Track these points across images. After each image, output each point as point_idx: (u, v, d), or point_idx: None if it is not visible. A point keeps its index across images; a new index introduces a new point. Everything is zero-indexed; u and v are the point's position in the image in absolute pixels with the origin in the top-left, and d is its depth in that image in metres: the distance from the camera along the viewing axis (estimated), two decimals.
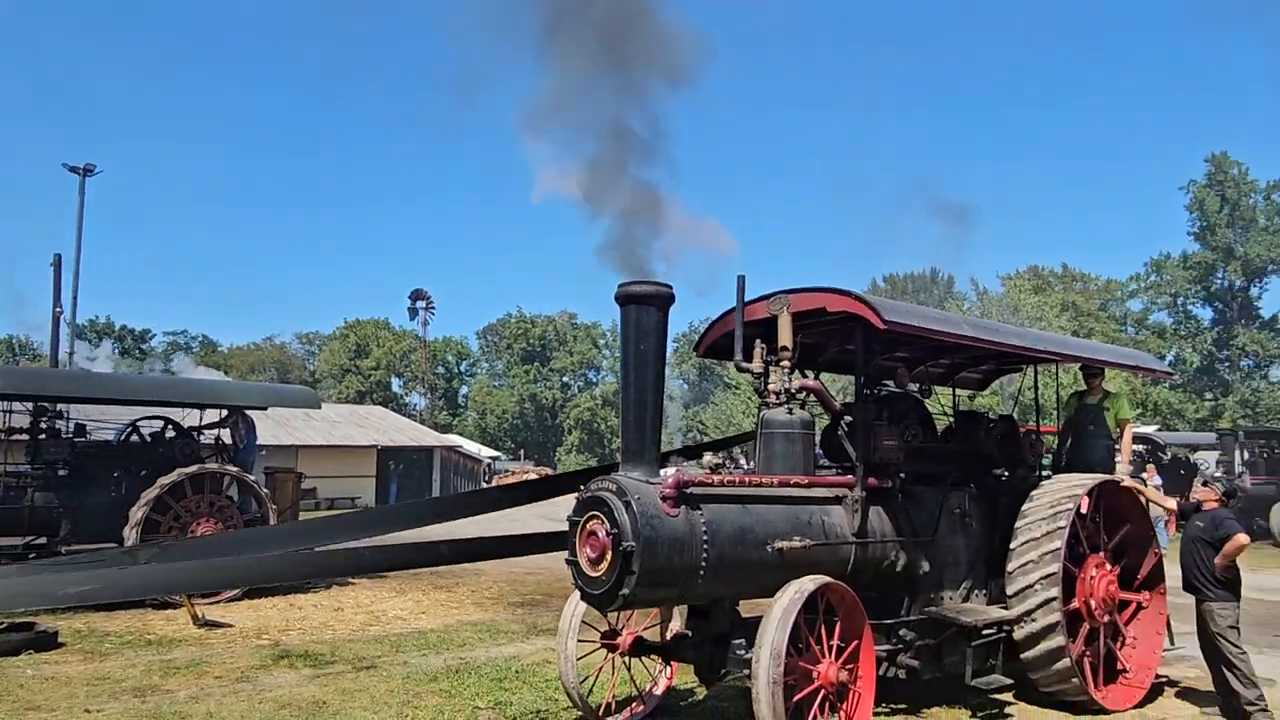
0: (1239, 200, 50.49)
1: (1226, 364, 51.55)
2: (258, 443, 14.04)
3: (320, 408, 16.81)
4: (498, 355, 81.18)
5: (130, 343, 67.99)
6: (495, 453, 59.03)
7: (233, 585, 8.95)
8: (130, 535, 10.90)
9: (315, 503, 27.90)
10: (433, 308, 66.00)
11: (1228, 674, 6.50)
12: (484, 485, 41.30)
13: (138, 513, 11.05)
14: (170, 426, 13.29)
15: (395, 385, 75.81)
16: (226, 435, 13.44)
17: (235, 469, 12.30)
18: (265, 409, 14.18)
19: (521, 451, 69.02)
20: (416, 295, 65.36)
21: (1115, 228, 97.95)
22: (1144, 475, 15.19)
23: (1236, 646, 6.50)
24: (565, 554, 5.50)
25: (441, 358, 79.07)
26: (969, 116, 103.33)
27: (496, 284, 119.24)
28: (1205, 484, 7.17)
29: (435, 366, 76.10)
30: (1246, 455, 23.45)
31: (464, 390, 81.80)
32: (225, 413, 13.39)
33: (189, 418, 13.46)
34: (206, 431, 13.50)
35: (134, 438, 13.20)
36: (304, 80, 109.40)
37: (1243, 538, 6.53)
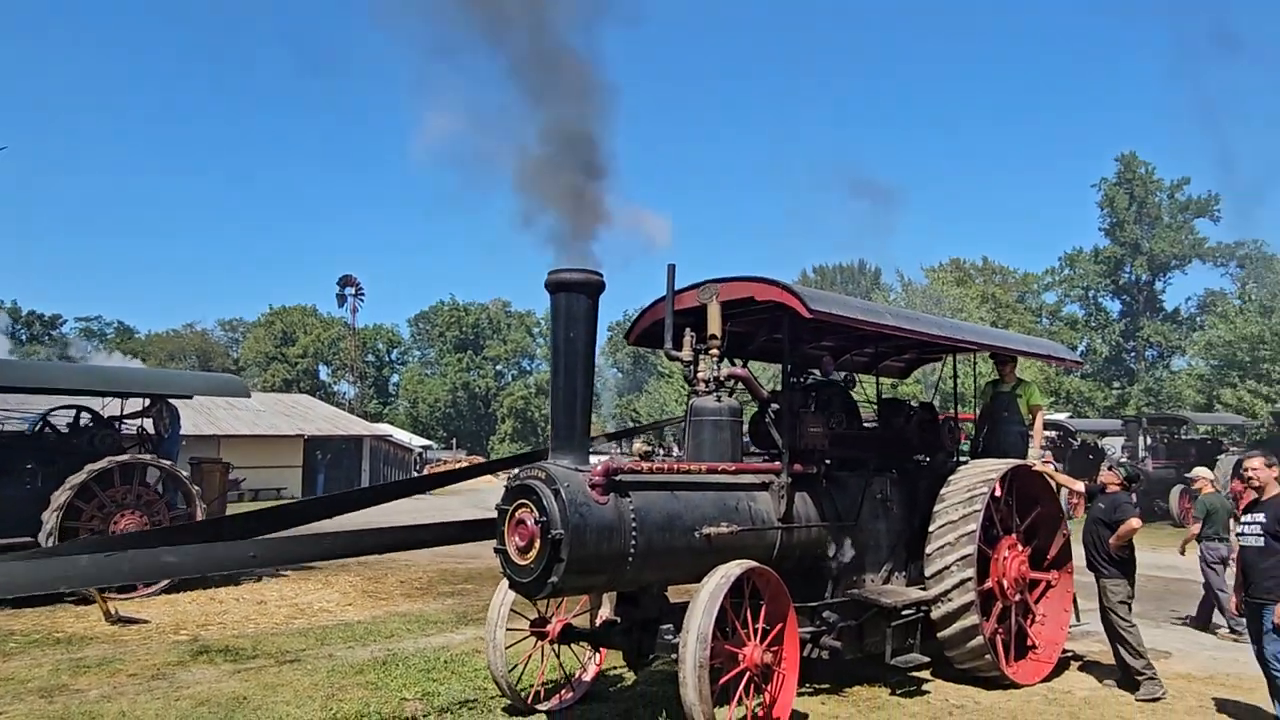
0: (1146, 198, 52.92)
1: (1133, 354, 54.10)
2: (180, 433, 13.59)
3: (250, 396, 16.32)
4: (430, 343, 79.97)
5: (40, 328, 64.77)
6: (427, 442, 58.25)
7: (135, 578, 8.65)
8: (50, 519, 10.50)
9: (239, 494, 27.12)
10: (362, 294, 64.72)
11: (1118, 646, 6.88)
12: (414, 474, 40.79)
13: (60, 497, 10.67)
14: (89, 416, 12.75)
15: (323, 373, 74.09)
16: (150, 425, 12.96)
17: (160, 460, 11.89)
18: (190, 398, 13.70)
19: (454, 441, 68.22)
20: (345, 281, 63.94)
21: (1035, 223, 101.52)
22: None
23: (1126, 620, 6.88)
24: (495, 542, 5.49)
25: (371, 345, 77.53)
26: (893, 110, 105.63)
27: (428, 271, 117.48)
28: (1110, 468, 7.54)
29: (365, 354, 74.58)
30: (1149, 441, 24.68)
31: (395, 379, 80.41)
32: (148, 402, 12.91)
33: (109, 407, 12.96)
34: (128, 421, 13.01)
35: (47, 429, 12.62)
36: (219, 53, 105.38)
37: (1135, 521, 6.91)
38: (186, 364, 66.01)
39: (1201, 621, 9.66)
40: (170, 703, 6.38)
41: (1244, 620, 9.07)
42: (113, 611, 9.29)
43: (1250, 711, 6.29)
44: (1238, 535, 6.01)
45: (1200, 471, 10.53)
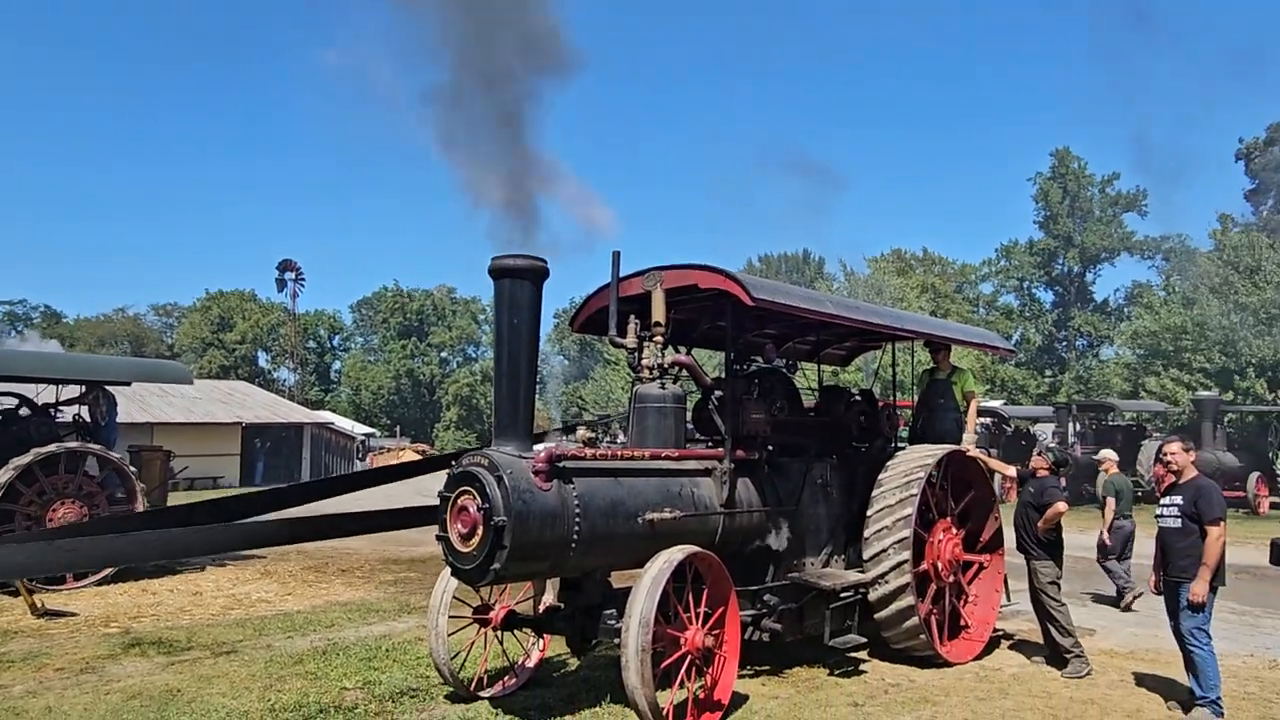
0: (1078, 192, 54.61)
1: (1064, 343, 55.93)
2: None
3: (192, 383, 15.84)
4: (373, 329, 78.64)
5: None
6: (370, 430, 57.39)
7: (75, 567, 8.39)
8: None
9: (175, 482, 26.36)
10: (302, 279, 63.29)
11: (1048, 625, 7.14)
12: (357, 463, 40.16)
13: (3, 476, 10.32)
14: (16, 401, 12.29)
15: (262, 360, 72.36)
16: (86, 412, 12.53)
17: (99, 447, 11.52)
18: (129, 384, 13.25)
19: (398, 428, 67.34)
20: (285, 266, 62.43)
21: (975, 215, 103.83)
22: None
23: (1056, 600, 7.14)
24: (437, 530, 5.46)
25: (313, 331, 75.91)
26: (836, 103, 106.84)
27: (372, 257, 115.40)
28: (1039, 454, 7.79)
29: (306, 341, 73.01)
30: (1078, 427, 25.55)
31: (337, 365, 78.91)
32: (84, 388, 12.47)
33: (42, 394, 12.51)
34: (64, 409, 12.56)
35: None
36: (152, 30, 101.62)
37: (1062, 505, 7.17)
38: (118, 350, 63.84)
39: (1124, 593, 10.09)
40: (100, 697, 6.21)
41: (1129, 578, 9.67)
42: (39, 605, 8.99)
43: (1166, 684, 6.59)
44: (1156, 517, 6.28)
45: (1106, 454, 11.01)
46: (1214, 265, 33.19)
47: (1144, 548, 9.38)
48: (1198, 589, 5.79)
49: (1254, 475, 22.23)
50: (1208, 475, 6.44)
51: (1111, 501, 10.05)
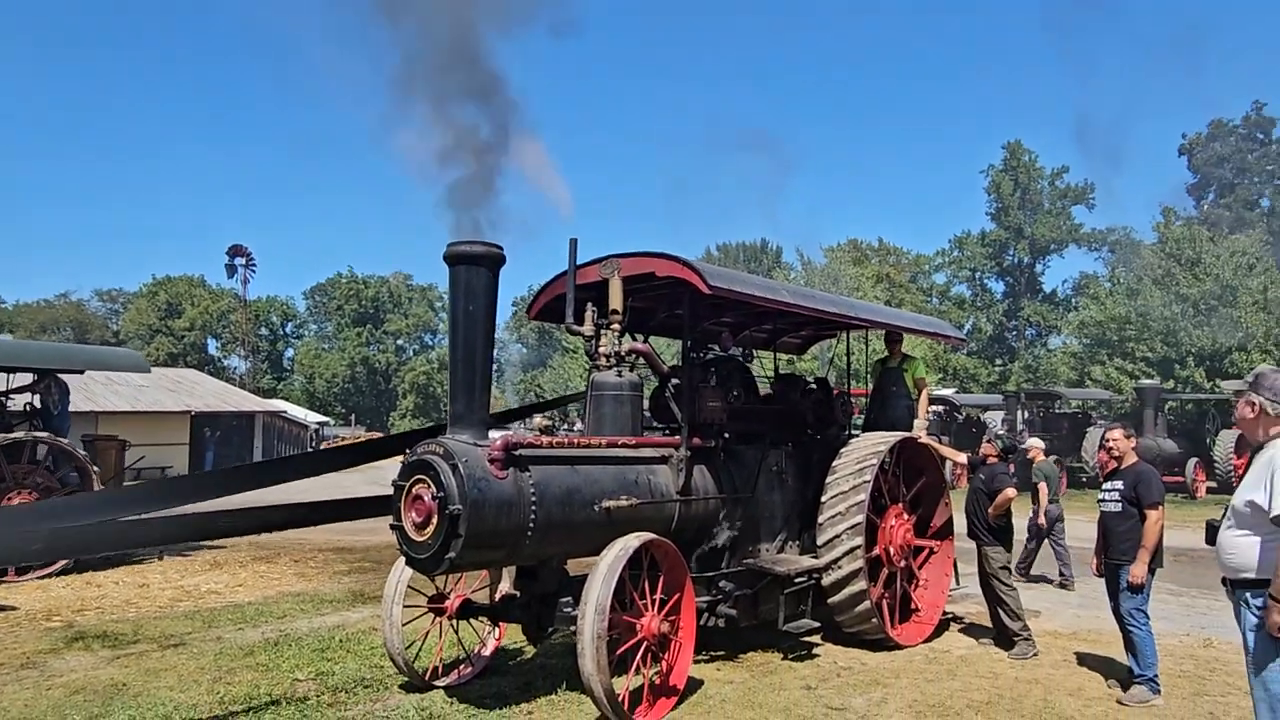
0: (1029, 185, 55.72)
1: (1014, 333, 57.17)
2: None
3: (149, 371, 15.42)
4: (327, 317, 77.37)
5: None
6: (324, 418, 56.58)
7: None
8: None
9: (136, 472, 25.71)
10: (254, 265, 61.95)
11: (998, 609, 7.32)
12: (311, 452, 39.53)
13: None
14: None
15: (212, 347, 70.78)
16: (37, 401, 12.20)
17: (51, 435, 11.25)
18: (82, 372, 12.91)
19: (353, 417, 66.46)
20: (235, 251, 61.04)
21: (930, 205, 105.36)
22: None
23: (1006, 585, 7.31)
24: (391, 519, 5.41)
25: (265, 318, 74.45)
26: (794, 92, 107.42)
27: (325, 242, 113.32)
28: (989, 441, 7.95)
29: (257, 328, 71.58)
30: (1026, 415, 26.15)
31: (290, 353, 77.53)
32: (35, 376, 12.13)
33: None
34: (14, 396, 12.20)
35: None
36: (94, 6, 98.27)
37: (1011, 491, 7.34)
38: (60, 336, 62.03)
39: (1065, 578, 10.41)
40: (41, 692, 6.05)
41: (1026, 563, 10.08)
42: None
43: (1106, 663, 6.80)
44: (1099, 501, 6.46)
45: (1033, 442, 11.34)
46: (1157, 257, 34.13)
47: (1080, 530, 9.70)
48: (1137, 571, 5.98)
49: (1192, 461, 22.97)
50: (1148, 461, 6.65)
51: (1044, 486, 10.38)
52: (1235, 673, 6.39)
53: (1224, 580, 3.80)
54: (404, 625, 6.06)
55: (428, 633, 6.38)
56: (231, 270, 61.86)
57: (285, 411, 42.67)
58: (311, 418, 49.60)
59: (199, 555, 12.57)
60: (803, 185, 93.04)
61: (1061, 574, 10.41)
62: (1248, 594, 3.61)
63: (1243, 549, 3.63)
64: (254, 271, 62.15)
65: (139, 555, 12.11)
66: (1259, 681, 3.55)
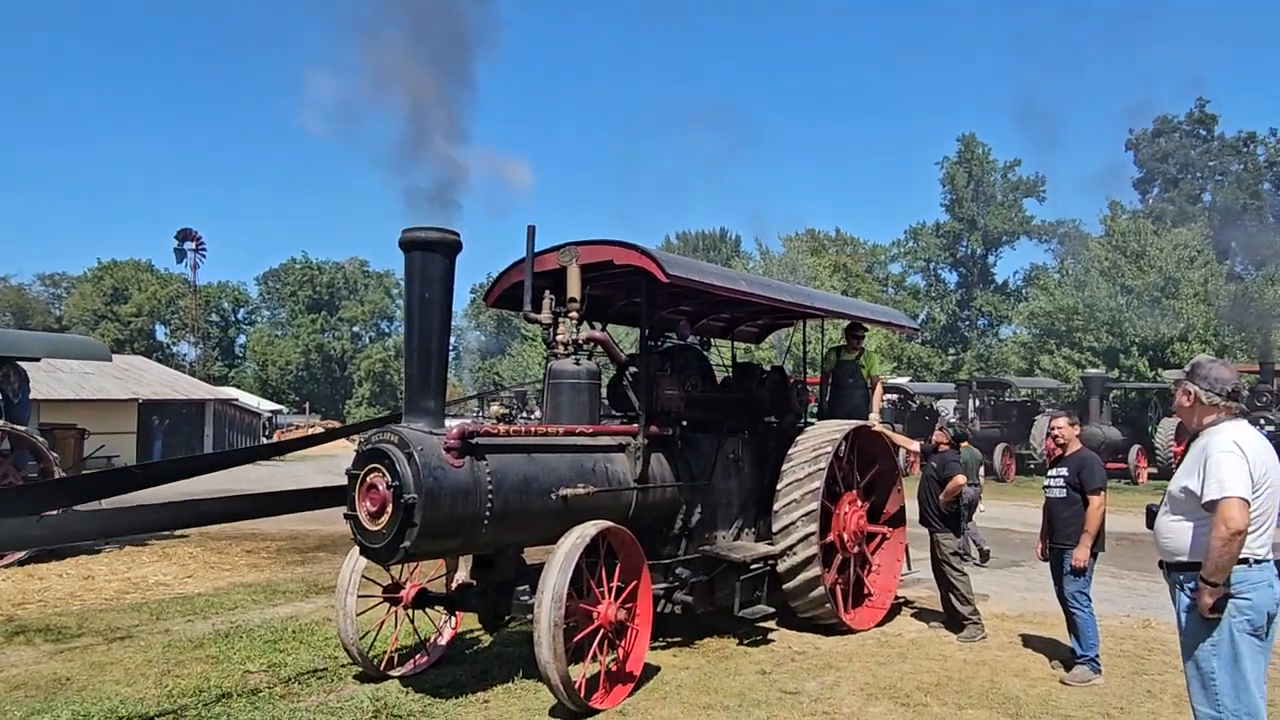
0: (982, 177, 56.71)
1: (967, 322, 58.25)
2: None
3: (111, 360, 15.09)
4: (280, 303, 75.88)
5: None
6: (277, 406, 55.60)
7: None
8: None
9: (104, 461, 25.03)
10: (203, 250, 60.48)
11: (949, 593, 7.48)
12: (264, 441, 38.83)
13: None
14: None
15: (161, 334, 69.08)
16: None
17: (11, 425, 11.03)
18: (39, 360, 12.69)
19: (307, 405, 65.38)
20: (184, 235, 59.50)
21: (886, 196, 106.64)
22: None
23: (957, 570, 7.47)
24: (345, 508, 5.35)
25: (215, 304, 72.82)
26: (754, 80, 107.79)
27: (278, 227, 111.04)
28: (941, 429, 8.10)
29: (208, 314, 69.99)
30: (978, 403, 26.68)
31: (242, 340, 75.98)
32: None
33: None
34: None
35: None
36: None
37: (961, 478, 7.50)
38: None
39: (984, 553, 10.88)
40: None
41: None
42: None
43: (1050, 645, 7.00)
44: (1044, 488, 6.63)
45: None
46: (1104, 250, 34.93)
47: (1029, 516, 9.99)
48: (1079, 555, 6.16)
49: (1135, 448, 23.66)
50: (1093, 448, 6.84)
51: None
52: (1172, 652, 6.60)
53: (1161, 563, 3.93)
54: (359, 615, 6.01)
55: (383, 622, 6.34)
56: (181, 255, 60.33)
57: (237, 399, 41.80)
58: (265, 406, 48.70)
59: (145, 546, 12.29)
60: (760, 175, 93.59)
61: (979, 549, 10.78)
62: (1182, 576, 3.74)
63: (1178, 533, 3.76)
64: (204, 256, 60.78)
65: (83, 546, 11.81)
66: (1192, 660, 3.68)
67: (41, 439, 11.52)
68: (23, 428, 11.26)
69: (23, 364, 12.43)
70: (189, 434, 35.40)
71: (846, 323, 9.26)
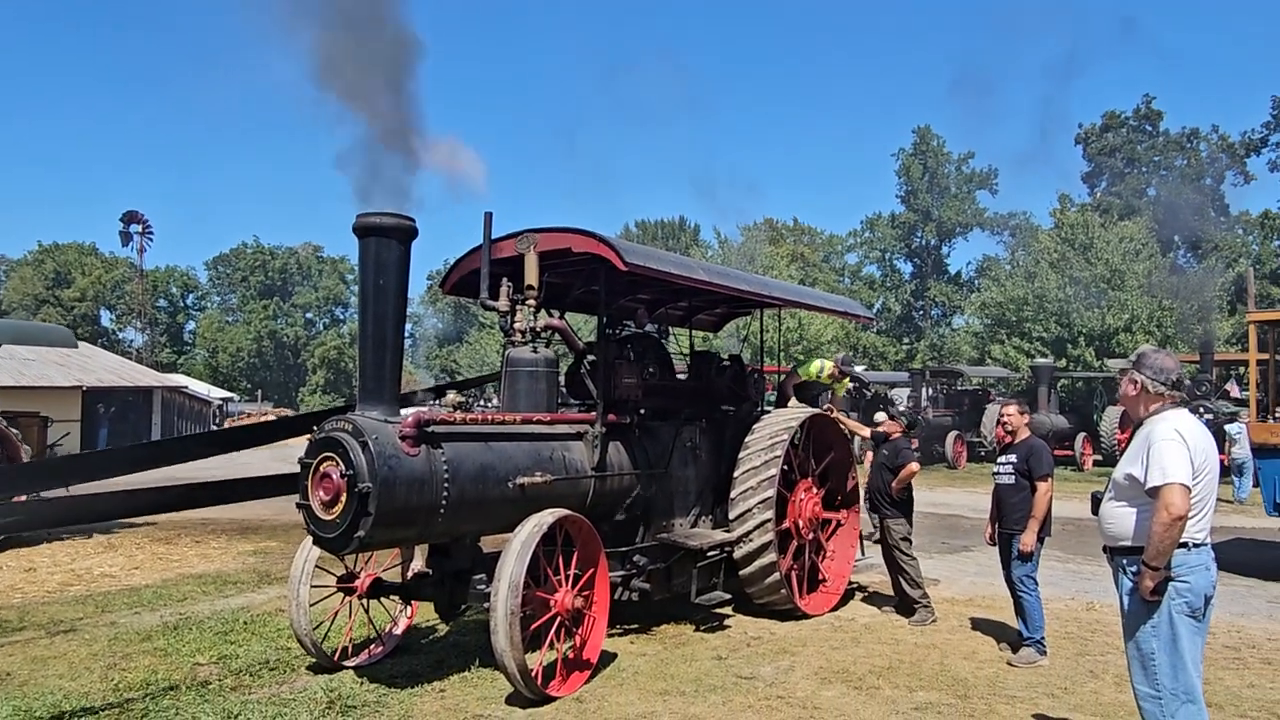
0: (937, 169, 57.51)
1: (921, 312, 59.16)
2: None
3: (77, 347, 14.72)
4: (231, 288, 74.29)
5: None
6: (228, 394, 54.50)
7: None
8: None
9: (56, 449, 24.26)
10: (150, 233, 58.81)
11: (899, 578, 7.62)
12: (214, 429, 38.03)
13: None
14: None
15: (106, 319, 67.22)
16: None
17: None
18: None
19: (259, 392, 64.19)
20: (130, 218, 57.77)
21: (844, 186, 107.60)
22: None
23: (907, 555, 7.61)
24: (298, 497, 5.27)
25: (163, 289, 71.02)
26: (713, 67, 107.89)
27: (229, 210, 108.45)
28: (891, 418, 8.22)
29: (156, 299, 68.21)
30: (930, 391, 27.14)
31: (191, 326, 74.24)
32: None
33: None
34: None
35: None
36: None
37: (914, 465, 7.62)
38: None
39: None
40: None
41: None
42: None
43: (999, 628, 7.17)
44: (994, 474, 6.78)
45: (880, 416, 11.84)
46: (1053, 242, 35.70)
47: (979, 502, 10.24)
48: (1026, 539, 6.31)
49: (1080, 435, 24.28)
50: (1041, 436, 7.00)
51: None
52: (1114, 634, 6.81)
53: (1105, 548, 4.04)
54: (312, 605, 5.92)
55: (337, 612, 6.26)
56: (126, 238, 58.57)
57: (186, 387, 40.81)
58: (215, 393, 47.69)
59: (91, 538, 11.98)
60: (719, 163, 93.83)
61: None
62: (1125, 560, 3.85)
63: (1121, 519, 3.86)
64: (151, 240, 59.08)
65: (23, 537, 11.47)
66: (1133, 641, 3.79)
67: (14, 429, 11.39)
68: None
69: None
70: (136, 422, 34.50)
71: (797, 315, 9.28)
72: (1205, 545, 3.74)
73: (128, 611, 7.74)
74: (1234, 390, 25.32)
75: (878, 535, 10.43)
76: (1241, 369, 25.98)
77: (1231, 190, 52.84)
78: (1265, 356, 13.92)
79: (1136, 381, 3.91)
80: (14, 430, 11.32)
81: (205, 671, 5.93)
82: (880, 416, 8.53)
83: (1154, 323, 30.92)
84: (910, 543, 7.71)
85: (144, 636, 6.83)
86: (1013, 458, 6.56)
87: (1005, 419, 6.72)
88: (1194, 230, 44.66)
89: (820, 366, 9.35)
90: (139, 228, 57.93)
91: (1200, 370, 23.58)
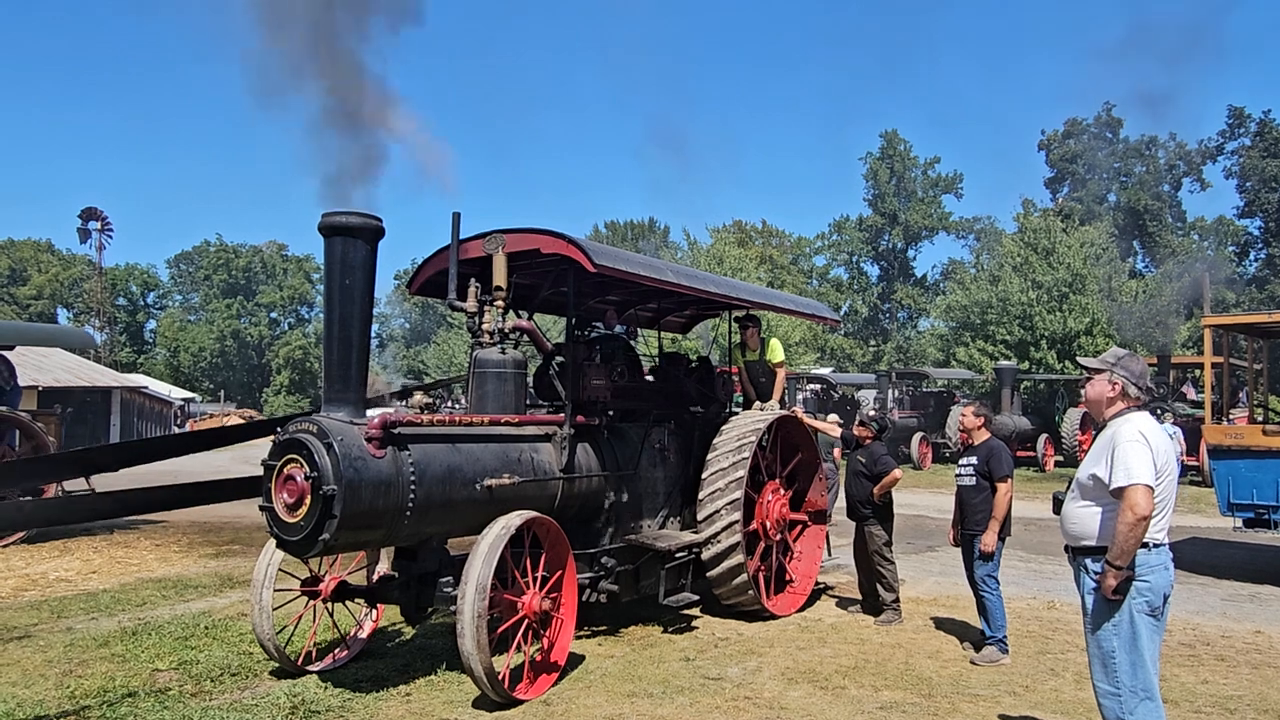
0: (904, 173, 58.20)
1: (887, 315, 59.82)
2: None
3: (97, 348, 14.87)
4: (193, 287, 73.00)
5: None
6: (190, 394, 53.56)
7: None
8: None
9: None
10: (110, 230, 57.60)
11: (876, 583, 7.64)
12: (175, 430, 37.36)
13: None
14: None
15: (63, 318, 65.65)
16: None
17: (12, 412, 11.41)
18: (12, 348, 12.90)
19: (222, 393, 63.14)
20: (89, 214, 56.51)
21: (813, 189, 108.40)
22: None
23: (887, 560, 7.61)
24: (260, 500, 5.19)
25: (123, 288, 69.59)
26: (685, 66, 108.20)
27: (191, 207, 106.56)
28: (862, 423, 8.23)
29: (115, 297, 66.83)
30: (897, 393, 27.44)
31: (151, 325, 72.84)
32: None
33: None
34: None
35: None
36: None
37: (897, 472, 7.59)
38: None
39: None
40: None
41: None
42: None
43: (962, 627, 7.27)
44: (956, 476, 6.86)
45: (833, 417, 11.99)
46: (1016, 246, 36.24)
47: (943, 503, 10.38)
48: (988, 539, 6.40)
49: (1042, 437, 24.69)
50: (1004, 438, 7.10)
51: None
52: (1075, 632, 6.94)
53: (1066, 547, 4.10)
54: (275, 609, 5.84)
55: (301, 616, 6.18)
56: (85, 235, 57.30)
57: (146, 387, 40.04)
58: (176, 394, 46.84)
59: (44, 541, 11.69)
60: (689, 165, 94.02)
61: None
62: (1087, 560, 3.91)
63: (1084, 519, 3.93)
64: (110, 237, 57.88)
65: None
66: (1094, 639, 3.86)
67: (39, 424, 11.96)
68: (23, 414, 11.95)
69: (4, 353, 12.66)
70: (94, 424, 33.80)
71: (744, 316, 8.97)
72: (1164, 545, 3.81)
73: (84, 617, 7.57)
74: (1190, 393, 25.93)
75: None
76: (1197, 372, 26.56)
77: (1188, 197, 54.13)
78: (1220, 360, 14.25)
79: (1117, 383, 3.95)
80: (41, 427, 11.80)
81: (165, 678, 5.82)
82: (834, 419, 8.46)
83: (1114, 326, 31.54)
84: (890, 547, 7.69)
85: (101, 642, 6.68)
86: (973, 459, 6.65)
87: (960, 420, 6.80)
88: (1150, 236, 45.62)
89: (776, 349, 9.04)
90: (98, 224, 56.72)
91: (1158, 374, 24.09)
